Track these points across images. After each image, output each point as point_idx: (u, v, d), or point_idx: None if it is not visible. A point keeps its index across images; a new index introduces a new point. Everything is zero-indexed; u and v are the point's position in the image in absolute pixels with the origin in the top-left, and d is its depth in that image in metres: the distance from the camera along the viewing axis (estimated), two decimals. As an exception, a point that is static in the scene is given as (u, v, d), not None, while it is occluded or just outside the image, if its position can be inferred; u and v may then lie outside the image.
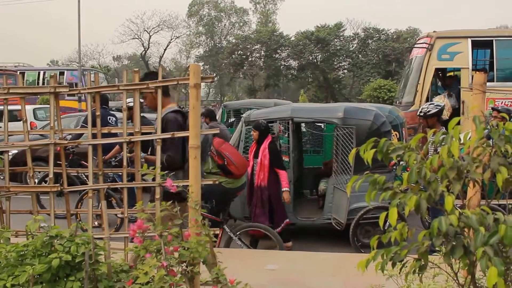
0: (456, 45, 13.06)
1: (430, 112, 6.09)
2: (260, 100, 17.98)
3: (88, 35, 68.93)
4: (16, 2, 50.54)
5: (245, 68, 45.65)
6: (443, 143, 2.13)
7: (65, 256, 2.80)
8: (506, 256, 2.09)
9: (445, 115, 5.81)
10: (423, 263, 2.16)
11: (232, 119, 13.81)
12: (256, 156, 6.56)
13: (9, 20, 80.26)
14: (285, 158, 7.16)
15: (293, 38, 44.26)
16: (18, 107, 4.00)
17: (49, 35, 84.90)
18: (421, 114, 6.16)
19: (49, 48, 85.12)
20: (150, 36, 52.38)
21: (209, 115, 8.96)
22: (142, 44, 52.70)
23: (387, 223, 4.51)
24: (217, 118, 12.95)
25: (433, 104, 6.35)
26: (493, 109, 8.02)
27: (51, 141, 3.83)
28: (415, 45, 15.21)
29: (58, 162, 4.02)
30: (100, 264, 2.97)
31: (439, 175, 2.14)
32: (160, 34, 73.92)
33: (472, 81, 3.65)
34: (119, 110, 11.02)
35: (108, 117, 7.77)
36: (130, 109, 4.21)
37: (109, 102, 9.44)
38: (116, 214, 7.20)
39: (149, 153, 4.68)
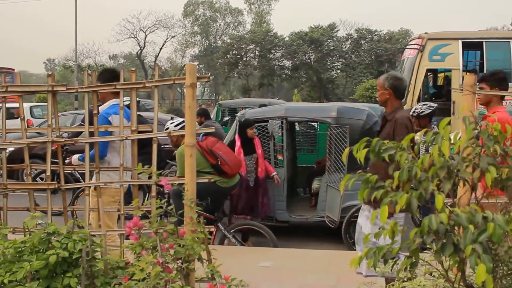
0: (447, 46, 13.15)
1: (423, 113, 6.16)
2: (254, 100, 18.06)
3: (85, 35, 68.86)
4: (8, 1, 50.13)
5: (239, 67, 45.64)
6: (433, 143, 2.17)
7: (62, 253, 2.82)
8: (495, 254, 2.13)
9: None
10: (414, 260, 2.18)
11: (227, 118, 13.89)
12: (249, 152, 6.67)
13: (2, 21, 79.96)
14: (279, 157, 7.21)
15: (287, 39, 44.32)
16: (15, 105, 4.01)
17: (43, 36, 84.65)
18: (414, 114, 6.22)
19: (45, 49, 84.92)
20: (146, 36, 52.50)
21: (203, 114, 9.00)
22: (138, 43, 52.79)
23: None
24: (211, 117, 12.99)
25: (426, 104, 6.41)
26: None
27: (48, 139, 3.85)
28: (407, 46, 15.28)
29: (52, 160, 4.04)
30: (97, 260, 3.00)
31: (430, 174, 2.17)
32: (155, 34, 74.23)
33: (462, 82, 3.71)
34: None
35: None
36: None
37: None
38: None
39: None
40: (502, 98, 4.57)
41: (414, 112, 6.26)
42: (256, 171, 6.68)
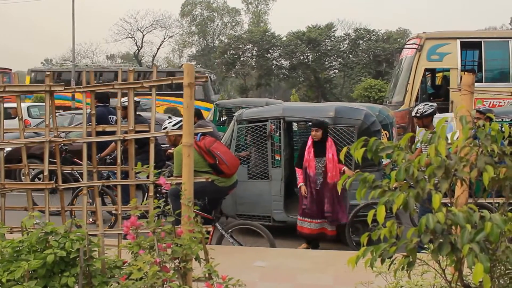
0: (446, 46, 13.19)
1: (426, 112, 6.17)
2: (251, 99, 18.07)
3: (82, 35, 68.86)
4: (5, 2, 49.98)
5: (237, 67, 45.66)
6: (431, 142, 2.17)
7: (60, 252, 2.82)
8: (492, 253, 2.13)
9: None
10: (411, 260, 2.18)
11: (224, 118, 13.90)
12: (318, 155, 6.40)
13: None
14: (277, 157, 7.21)
15: (284, 38, 44.33)
16: (13, 105, 4.01)
17: (41, 36, 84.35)
18: (418, 114, 6.22)
19: (42, 49, 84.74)
20: (143, 35, 52.56)
21: (196, 114, 8.98)
22: (136, 43, 52.88)
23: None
24: (209, 116, 12.98)
25: (427, 104, 6.43)
26: (476, 110, 8.13)
27: (46, 139, 3.85)
28: (405, 46, 15.35)
29: (50, 159, 4.04)
30: (95, 260, 3.00)
31: (427, 174, 2.17)
32: (153, 34, 74.35)
33: (460, 82, 3.72)
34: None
35: (110, 116, 7.43)
36: (125, 108, 4.24)
37: None
38: (110, 212, 7.23)
39: None
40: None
41: (417, 112, 6.25)
42: (325, 175, 6.34)
